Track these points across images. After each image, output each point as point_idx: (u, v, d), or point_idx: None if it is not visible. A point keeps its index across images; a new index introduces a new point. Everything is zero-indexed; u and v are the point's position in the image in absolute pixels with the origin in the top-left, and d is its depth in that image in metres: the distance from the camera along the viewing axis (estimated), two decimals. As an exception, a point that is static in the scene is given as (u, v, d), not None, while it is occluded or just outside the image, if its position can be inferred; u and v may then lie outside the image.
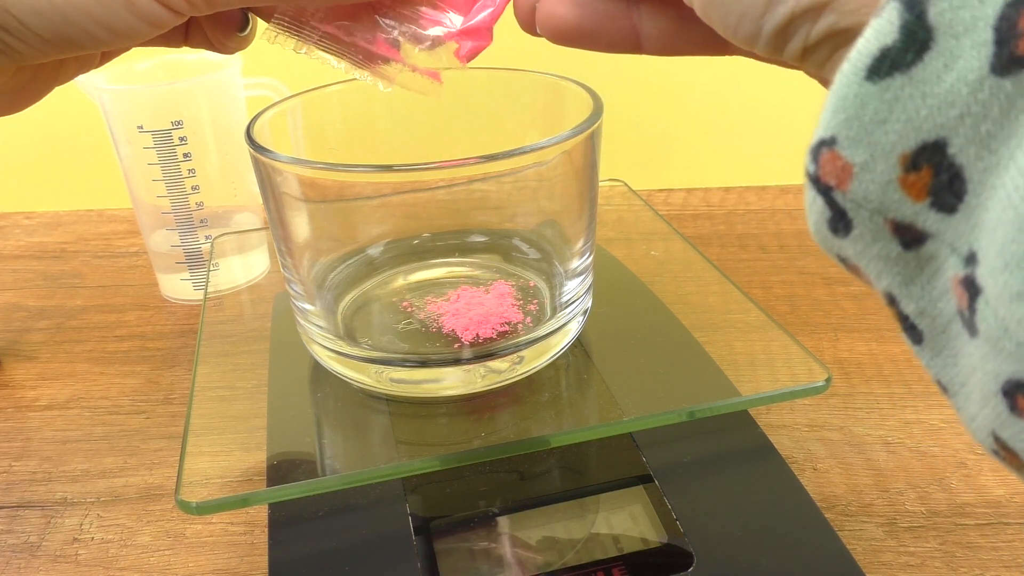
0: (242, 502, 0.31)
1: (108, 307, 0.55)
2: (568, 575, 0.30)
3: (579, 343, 0.39)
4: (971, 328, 0.14)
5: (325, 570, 0.30)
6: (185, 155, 0.49)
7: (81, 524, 0.37)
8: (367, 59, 0.28)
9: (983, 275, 0.14)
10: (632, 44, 0.23)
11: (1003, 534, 0.35)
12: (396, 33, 0.27)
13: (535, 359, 0.37)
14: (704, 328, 0.41)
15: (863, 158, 0.15)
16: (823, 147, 0.15)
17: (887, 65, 0.14)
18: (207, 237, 0.52)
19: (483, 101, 0.41)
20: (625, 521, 0.32)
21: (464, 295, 0.38)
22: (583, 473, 0.35)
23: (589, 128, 0.33)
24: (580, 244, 0.37)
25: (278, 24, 0.27)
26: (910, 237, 0.15)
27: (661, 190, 0.69)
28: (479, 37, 0.26)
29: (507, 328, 0.36)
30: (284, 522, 0.32)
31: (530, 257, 0.41)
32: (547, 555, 0.31)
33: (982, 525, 0.35)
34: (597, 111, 0.34)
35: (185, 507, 0.30)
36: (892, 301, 0.16)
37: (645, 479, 0.34)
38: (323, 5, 0.26)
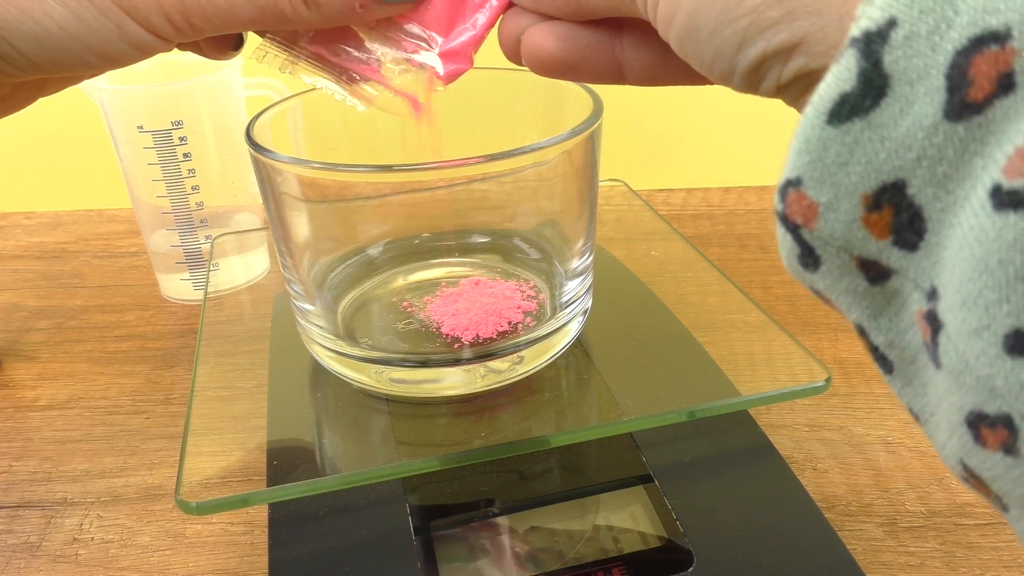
0: (242, 502, 0.31)
1: (108, 307, 0.55)
2: (568, 575, 0.30)
3: (579, 343, 0.39)
4: (936, 361, 0.15)
5: (325, 570, 0.30)
6: (185, 155, 0.49)
7: (81, 524, 0.37)
8: (349, 80, 0.28)
9: (944, 310, 0.14)
10: (615, 75, 0.23)
11: (1003, 534, 0.35)
12: (379, 54, 0.27)
13: (535, 359, 0.37)
14: (704, 328, 0.41)
15: (827, 198, 0.15)
16: (789, 187, 0.16)
17: (847, 110, 0.14)
18: (207, 237, 0.52)
19: (483, 101, 0.41)
20: (625, 521, 0.32)
21: (464, 295, 0.38)
22: (583, 473, 0.35)
23: (589, 128, 0.33)
24: (580, 244, 0.37)
25: (271, 42, 0.28)
26: (875, 273, 0.16)
27: (661, 190, 0.69)
28: (459, 60, 0.27)
29: (507, 328, 0.36)
30: (284, 522, 0.32)
31: (530, 257, 0.41)
32: (547, 555, 0.31)
33: (982, 525, 0.35)
34: (597, 111, 0.34)
35: (185, 507, 0.30)
36: (863, 332, 0.17)
37: (645, 479, 0.34)
38: (312, 27, 0.26)
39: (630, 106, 0.67)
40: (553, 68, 0.23)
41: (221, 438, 0.35)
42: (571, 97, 0.37)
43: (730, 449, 0.35)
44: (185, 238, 0.51)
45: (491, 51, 0.27)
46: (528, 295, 0.39)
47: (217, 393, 0.38)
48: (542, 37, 0.23)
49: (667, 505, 0.32)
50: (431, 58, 0.27)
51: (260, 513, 0.37)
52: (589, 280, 0.39)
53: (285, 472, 0.33)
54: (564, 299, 0.38)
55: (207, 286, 0.46)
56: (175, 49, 0.26)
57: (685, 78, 0.22)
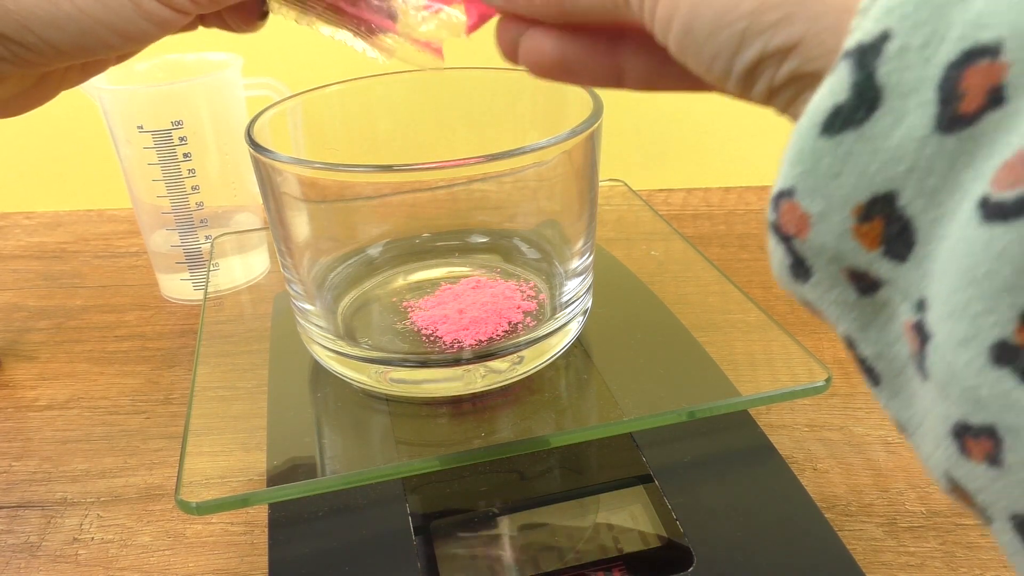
0: (242, 502, 0.31)
1: (108, 307, 0.55)
2: (568, 575, 0.30)
3: (579, 343, 0.39)
4: (923, 372, 0.15)
5: (325, 570, 0.30)
6: (185, 155, 0.49)
7: (81, 524, 0.37)
8: (368, 31, 0.27)
9: (932, 322, 0.14)
10: (614, 80, 0.23)
11: (1003, 534, 0.35)
12: (400, 1, 0.26)
13: (535, 359, 0.37)
14: (704, 328, 0.41)
15: (819, 208, 0.15)
16: (782, 197, 0.16)
17: (840, 121, 0.15)
18: (207, 237, 0.52)
19: (483, 101, 0.41)
20: (625, 521, 0.32)
21: (464, 295, 0.38)
22: (583, 473, 0.35)
23: (589, 128, 0.33)
24: (580, 244, 0.37)
25: None
26: (865, 284, 0.16)
27: (661, 190, 0.69)
28: (482, 6, 0.25)
29: (507, 328, 0.36)
30: (284, 522, 0.32)
31: (530, 257, 0.41)
32: (547, 555, 0.31)
33: (982, 525, 0.35)
34: (597, 111, 0.34)
35: (185, 507, 0.30)
36: (851, 344, 0.17)
37: (645, 479, 0.34)
38: None
39: (630, 106, 0.67)
40: (552, 72, 0.23)
41: (221, 438, 0.35)
42: (571, 97, 0.37)
43: (730, 449, 0.35)
44: (185, 238, 0.51)
45: (491, 51, 0.27)
46: (528, 295, 0.39)
47: (217, 393, 0.38)
48: (543, 39, 0.23)
49: (667, 505, 0.32)
50: (452, 7, 0.26)
51: (260, 513, 0.37)
52: (589, 280, 0.39)
53: (285, 472, 0.33)
54: (564, 299, 0.38)
55: (207, 286, 0.46)
56: (200, 27, 0.26)
57: (684, 85, 0.22)
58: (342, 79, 0.40)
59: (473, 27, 0.26)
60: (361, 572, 0.30)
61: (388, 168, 0.31)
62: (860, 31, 0.14)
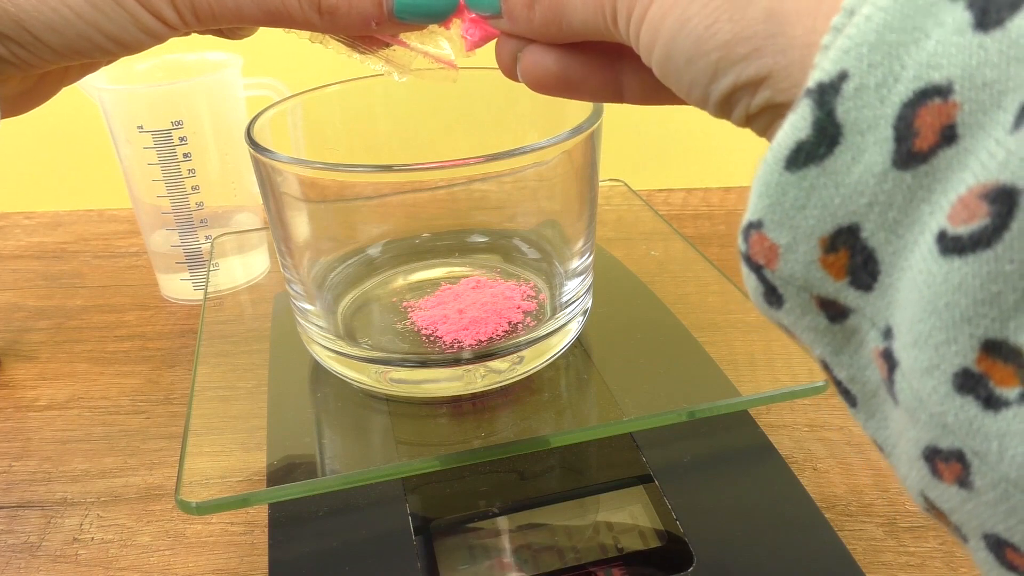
0: (242, 502, 0.31)
1: (108, 307, 0.55)
2: (568, 575, 0.30)
3: (579, 343, 0.39)
4: (893, 397, 0.15)
5: (325, 570, 0.30)
6: (185, 155, 0.49)
7: (81, 524, 0.37)
8: (383, 48, 0.28)
9: (898, 349, 0.15)
10: (614, 95, 0.24)
11: (1003, 534, 0.35)
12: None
13: (535, 359, 0.37)
14: (704, 328, 0.41)
15: (787, 240, 0.16)
16: (751, 229, 0.16)
17: (803, 157, 0.15)
18: (207, 237, 0.52)
19: (483, 101, 0.41)
20: (625, 521, 0.32)
21: (464, 295, 0.38)
22: (583, 473, 0.35)
23: (589, 128, 0.33)
24: (580, 244, 0.37)
25: None
26: (835, 312, 0.16)
27: (661, 190, 0.69)
28: (483, 26, 0.26)
29: (507, 328, 0.36)
30: (284, 522, 0.32)
31: (530, 257, 0.41)
32: (547, 555, 0.31)
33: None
34: (597, 111, 0.34)
35: (185, 507, 0.30)
36: (826, 367, 0.18)
37: (645, 479, 0.34)
38: (321, 32, 0.26)
39: (630, 106, 0.67)
40: (551, 87, 0.24)
41: (221, 438, 0.35)
42: (571, 97, 0.37)
43: (730, 449, 0.35)
44: (185, 238, 0.51)
45: (491, 52, 0.27)
46: (528, 295, 0.39)
47: (217, 393, 0.38)
48: (541, 57, 0.23)
49: (667, 505, 0.32)
50: (452, 28, 0.27)
51: (260, 513, 0.37)
52: (589, 280, 0.39)
53: (285, 472, 0.33)
54: (564, 299, 0.38)
55: (207, 286, 0.46)
56: (194, 34, 0.27)
57: (679, 99, 0.23)
58: (342, 79, 0.40)
59: (475, 45, 0.26)
60: (361, 572, 0.30)
61: (388, 168, 0.31)
62: (820, 70, 0.15)
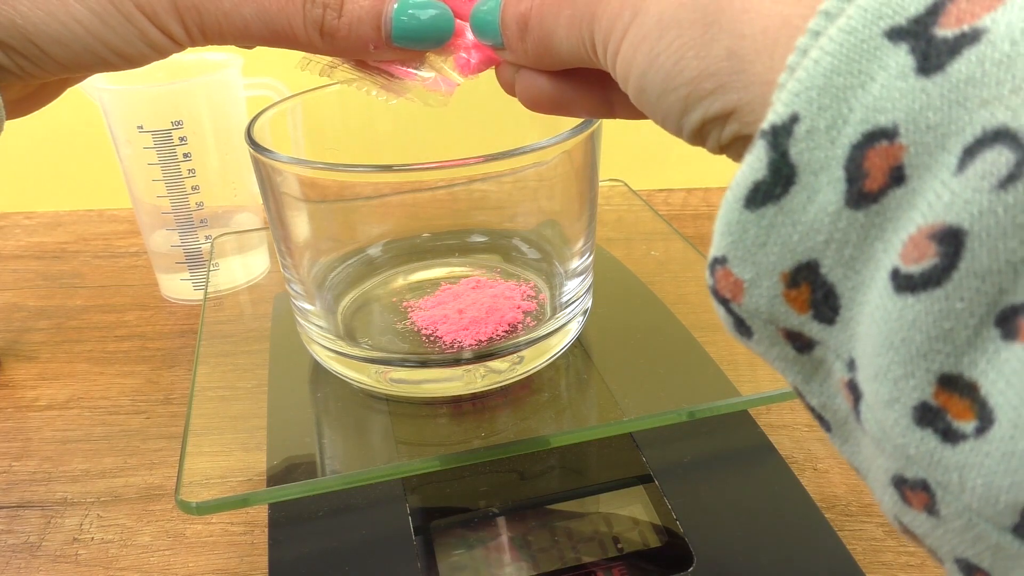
0: (242, 502, 0.31)
1: (108, 307, 0.55)
2: (568, 575, 0.30)
3: (579, 343, 0.39)
4: (861, 425, 0.16)
5: (325, 570, 0.30)
6: (185, 155, 0.49)
7: (81, 524, 0.37)
8: (388, 77, 0.28)
9: (862, 381, 0.15)
10: (606, 112, 0.25)
11: (1003, 534, 0.35)
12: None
13: (535, 359, 0.37)
14: (704, 328, 0.41)
15: (750, 275, 0.16)
16: (717, 264, 0.17)
17: (760, 196, 0.15)
18: (207, 237, 0.52)
19: (483, 101, 0.41)
20: (625, 521, 0.32)
21: (464, 295, 0.38)
22: (583, 473, 0.35)
23: (589, 128, 0.33)
24: (580, 244, 0.37)
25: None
26: (801, 343, 0.17)
27: (661, 190, 0.69)
28: (481, 51, 0.27)
29: (507, 328, 0.36)
30: (284, 522, 0.32)
31: (530, 257, 0.41)
32: (547, 555, 0.31)
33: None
34: (597, 111, 0.34)
35: (185, 507, 0.30)
36: (800, 394, 0.18)
37: (645, 479, 0.34)
38: (322, 54, 0.27)
39: (630, 106, 0.67)
40: (546, 107, 0.25)
41: (221, 438, 0.35)
42: (571, 97, 0.37)
43: (730, 449, 0.35)
44: (185, 238, 0.51)
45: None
46: (528, 295, 0.39)
47: (217, 393, 0.38)
48: (534, 79, 0.24)
49: (667, 505, 0.32)
50: (461, 47, 0.27)
51: (260, 513, 0.37)
52: (589, 280, 0.39)
53: (285, 472, 0.33)
54: (564, 299, 0.38)
55: (207, 286, 0.46)
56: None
57: None
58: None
59: (476, 70, 0.27)
60: (361, 572, 0.30)
61: (388, 168, 0.31)
62: (773, 112, 0.15)
